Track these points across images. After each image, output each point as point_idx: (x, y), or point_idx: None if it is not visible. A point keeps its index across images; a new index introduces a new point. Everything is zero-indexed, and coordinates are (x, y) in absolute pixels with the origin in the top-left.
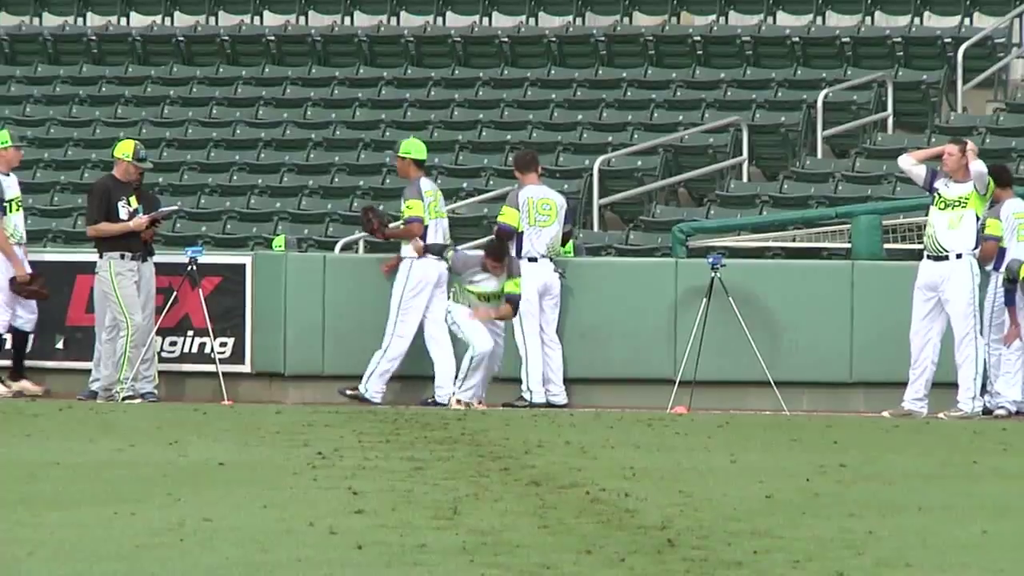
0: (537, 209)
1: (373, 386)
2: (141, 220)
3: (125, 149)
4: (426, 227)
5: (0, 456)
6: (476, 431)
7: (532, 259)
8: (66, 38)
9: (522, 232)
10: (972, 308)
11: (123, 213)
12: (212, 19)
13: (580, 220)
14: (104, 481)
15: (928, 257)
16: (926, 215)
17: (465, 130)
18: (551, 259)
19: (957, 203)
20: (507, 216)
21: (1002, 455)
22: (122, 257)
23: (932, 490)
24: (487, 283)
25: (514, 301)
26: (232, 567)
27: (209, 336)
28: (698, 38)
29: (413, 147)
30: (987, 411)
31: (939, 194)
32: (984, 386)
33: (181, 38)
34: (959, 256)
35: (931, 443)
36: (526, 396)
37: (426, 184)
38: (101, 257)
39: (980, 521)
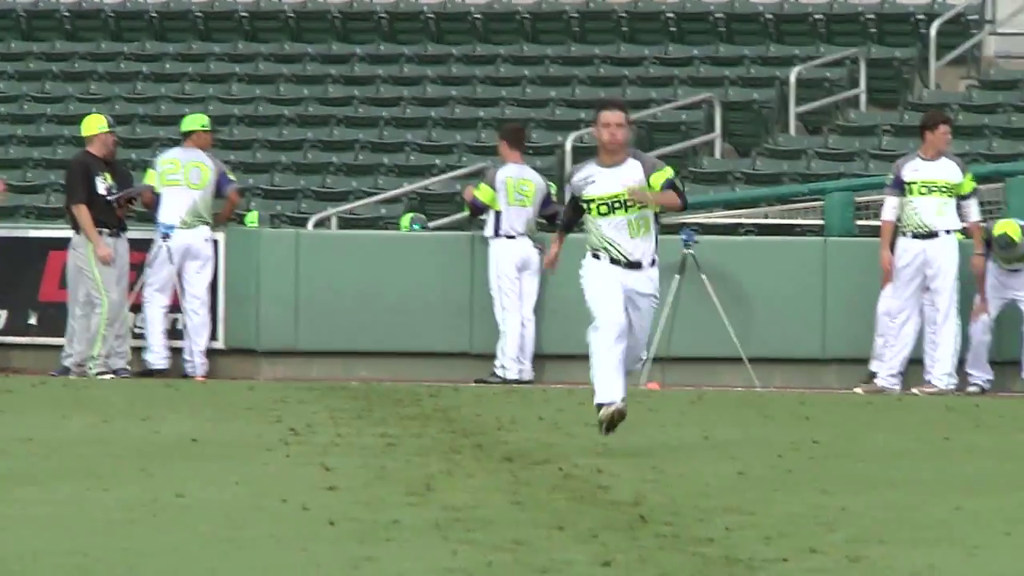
0: (516, 189)
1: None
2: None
3: (98, 122)
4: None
5: None
6: (449, 408)
7: (510, 236)
8: (39, 14)
9: (500, 211)
10: (956, 286)
11: (100, 188)
12: None
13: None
14: (77, 457)
15: (913, 236)
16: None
17: (438, 107)
18: (529, 235)
19: (939, 189)
20: (482, 193)
21: (975, 431)
22: (99, 234)
23: (905, 466)
24: (603, 182)
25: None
26: (205, 543)
27: (181, 312)
28: (671, 15)
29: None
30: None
31: (914, 181)
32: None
33: (154, 14)
34: (948, 232)
35: (904, 420)
36: (499, 372)
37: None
38: (77, 233)
39: (953, 497)
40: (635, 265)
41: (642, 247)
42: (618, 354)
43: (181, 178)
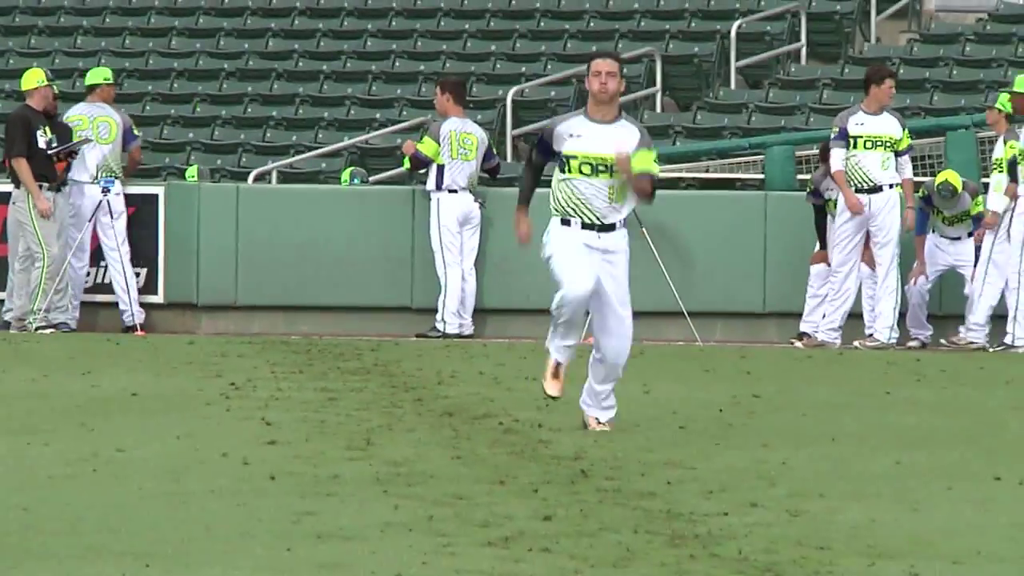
0: (460, 142)
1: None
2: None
3: (38, 76)
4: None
5: None
6: (389, 362)
7: (452, 191)
8: None
9: (443, 165)
10: (898, 240)
11: (40, 142)
12: None
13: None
14: (17, 411)
15: (857, 190)
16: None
17: (378, 60)
18: (471, 190)
19: (883, 144)
20: (425, 146)
21: (915, 385)
22: (39, 188)
23: (845, 420)
24: (590, 139)
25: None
26: (145, 497)
27: (126, 268)
28: None
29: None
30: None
31: (860, 135)
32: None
33: None
34: (891, 187)
35: (845, 373)
36: (439, 326)
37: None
38: (17, 187)
39: (893, 451)
40: (608, 228)
41: (620, 212)
42: (577, 332)
43: (90, 133)
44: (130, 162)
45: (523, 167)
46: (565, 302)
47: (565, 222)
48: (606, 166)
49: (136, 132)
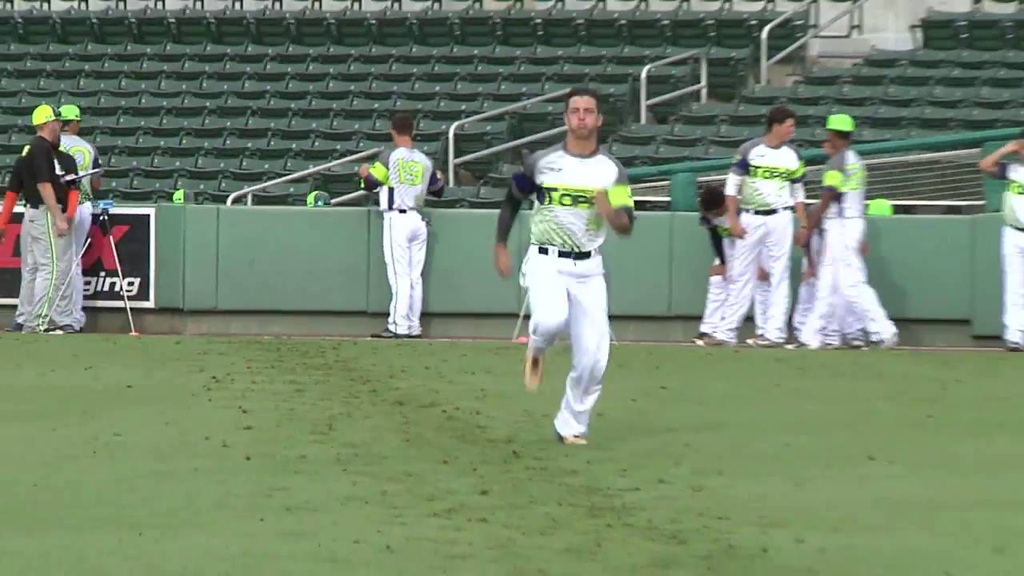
0: (406, 169)
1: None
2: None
3: (46, 112)
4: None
5: None
6: (348, 358)
7: (402, 211)
8: None
9: (392, 188)
10: (789, 254)
11: (57, 170)
12: (121, 4)
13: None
14: (28, 401)
15: (756, 212)
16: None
17: (339, 99)
18: (418, 210)
19: (780, 174)
20: (376, 170)
21: (801, 378)
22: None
23: (741, 409)
24: (571, 172)
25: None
26: (138, 476)
27: (119, 276)
28: (539, 21)
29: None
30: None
31: (760, 165)
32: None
33: (95, 20)
34: (784, 209)
35: (740, 369)
36: (391, 328)
37: None
38: (36, 208)
39: (782, 435)
40: (584, 255)
41: (596, 240)
42: (544, 352)
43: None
44: (93, 187)
45: (502, 205)
46: (539, 332)
47: (543, 251)
48: (585, 198)
49: (100, 163)
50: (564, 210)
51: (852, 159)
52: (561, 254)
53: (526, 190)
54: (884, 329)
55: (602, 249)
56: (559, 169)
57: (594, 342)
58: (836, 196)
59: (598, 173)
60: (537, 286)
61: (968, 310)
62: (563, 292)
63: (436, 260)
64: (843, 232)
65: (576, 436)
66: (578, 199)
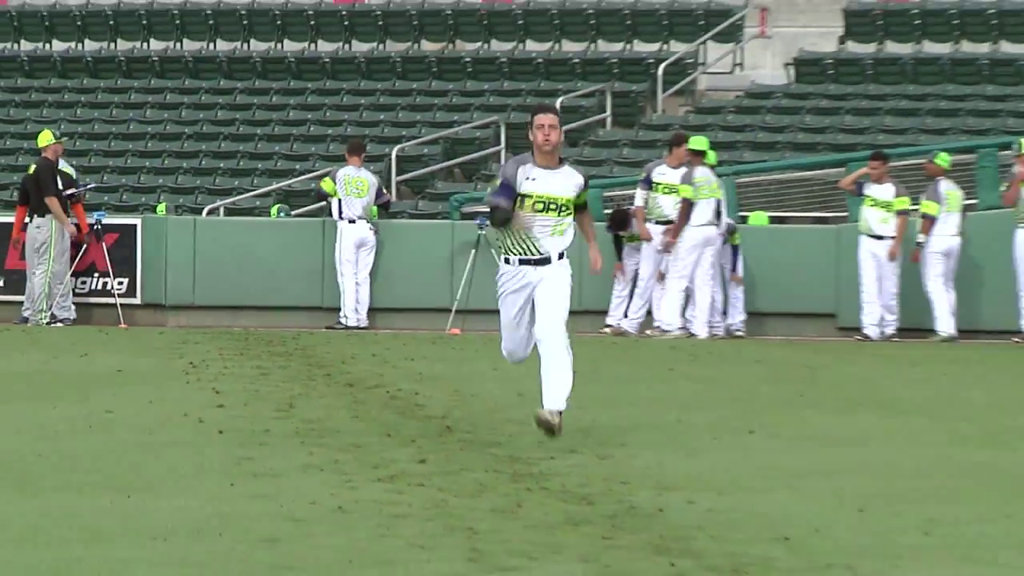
0: (352, 184)
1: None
2: (71, 229)
3: (48, 136)
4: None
5: None
6: (306, 347)
7: (351, 220)
8: (4, 59)
9: (341, 200)
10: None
11: (60, 185)
12: (112, 44)
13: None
14: (33, 383)
15: (656, 223)
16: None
17: (298, 126)
18: (367, 220)
19: (676, 190)
20: (325, 184)
21: (692, 363)
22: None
23: (640, 390)
24: (543, 182)
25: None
26: (127, 446)
27: (110, 277)
28: (468, 59)
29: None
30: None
31: (660, 182)
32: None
33: (90, 58)
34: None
35: (641, 355)
36: (343, 321)
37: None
38: (43, 216)
39: (675, 412)
40: (544, 261)
41: (556, 246)
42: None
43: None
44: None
45: (495, 220)
46: (506, 358)
47: (507, 261)
48: (556, 205)
49: (79, 181)
50: (531, 216)
51: (700, 174)
52: (522, 261)
53: (512, 198)
54: (670, 322)
55: (567, 257)
56: (533, 179)
57: (549, 306)
58: (690, 206)
59: (566, 182)
60: (503, 314)
61: (833, 305)
62: (525, 321)
63: (382, 262)
64: (691, 236)
65: (551, 414)
66: (549, 206)
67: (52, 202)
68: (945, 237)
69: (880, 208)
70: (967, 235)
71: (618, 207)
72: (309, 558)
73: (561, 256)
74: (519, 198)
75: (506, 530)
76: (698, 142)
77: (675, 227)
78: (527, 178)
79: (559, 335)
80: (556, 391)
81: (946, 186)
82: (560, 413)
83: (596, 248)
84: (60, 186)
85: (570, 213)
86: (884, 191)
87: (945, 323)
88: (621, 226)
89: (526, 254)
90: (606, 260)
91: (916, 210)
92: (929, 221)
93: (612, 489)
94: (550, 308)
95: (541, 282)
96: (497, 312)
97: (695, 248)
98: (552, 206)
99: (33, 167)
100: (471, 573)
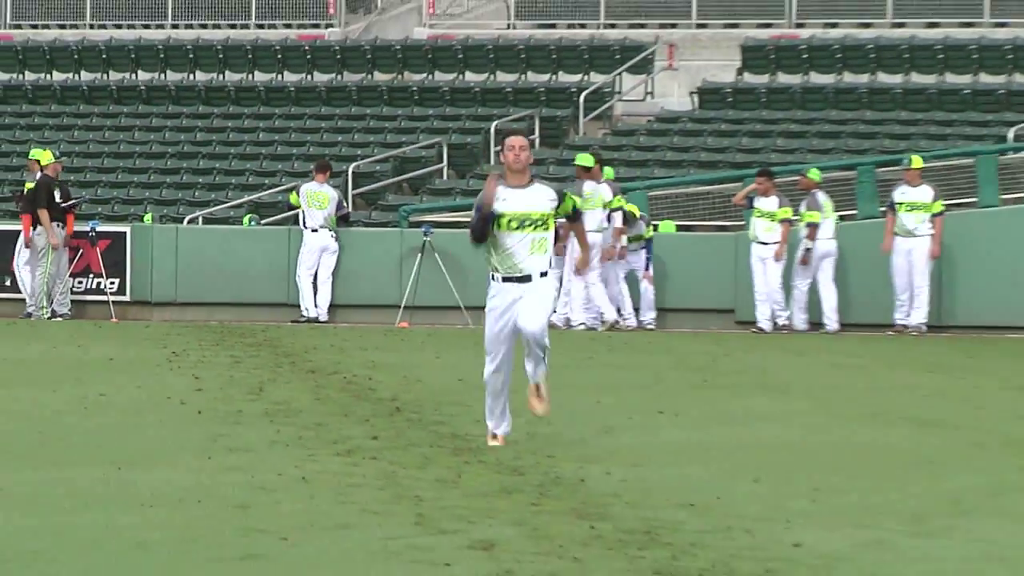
0: (313, 198)
1: None
2: (55, 240)
3: (49, 156)
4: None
5: None
6: (274, 338)
7: (314, 230)
8: (10, 87)
9: (304, 211)
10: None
11: (57, 198)
12: (104, 75)
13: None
14: (35, 370)
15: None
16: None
17: (267, 147)
18: (329, 228)
19: (601, 205)
20: (292, 198)
21: (609, 353)
22: (57, 226)
23: (564, 375)
24: (513, 200)
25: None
26: (118, 426)
27: (103, 277)
28: (415, 88)
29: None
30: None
31: (582, 195)
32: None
33: (85, 87)
34: (600, 232)
35: (563, 344)
36: (305, 315)
37: None
38: (38, 225)
39: (594, 395)
40: (526, 279)
41: (537, 263)
42: (501, 394)
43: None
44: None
45: (476, 237)
46: (486, 382)
47: (493, 278)
48: (530, 221)
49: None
50: (509, 235)
51: (588, 187)
52: (505, 279)
53: (491, 223)
54: (608, 313)
55: (549, 276)
56: (504, 199)
57: (531, 316)
58: (578, 216)
59: (537, 198)
60: (489, 328)
61: (732, 302)
62: (507, 334)
63: (341, 265)
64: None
65: (535, 387)
66: (524, 223)
67: (42, 213)
68: (824, 241)
69: (766, 218)
70: (840, 239)
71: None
72: (276, 522)
73: (544, 275)
74: (497, 220)
75: (448, 498)
76: (583, 159)
77: (564, 234)
78: (499, 199)
79: (540, 328)
80: (538, 371)
81: (822, 196)
82: (539, 387)
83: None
84: (59, 199)
85: (548, 228)
86: (770, 203)
87: (831, 317)
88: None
89: (509, 272)
90: None
91: (798, 219)
92: (814, 228)
93: (540, 462)
94: (531, 307)
95: (523, 297)
96: (442, 308)
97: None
98: (527, 223)
99: (35, 183)
100: (417, 535)
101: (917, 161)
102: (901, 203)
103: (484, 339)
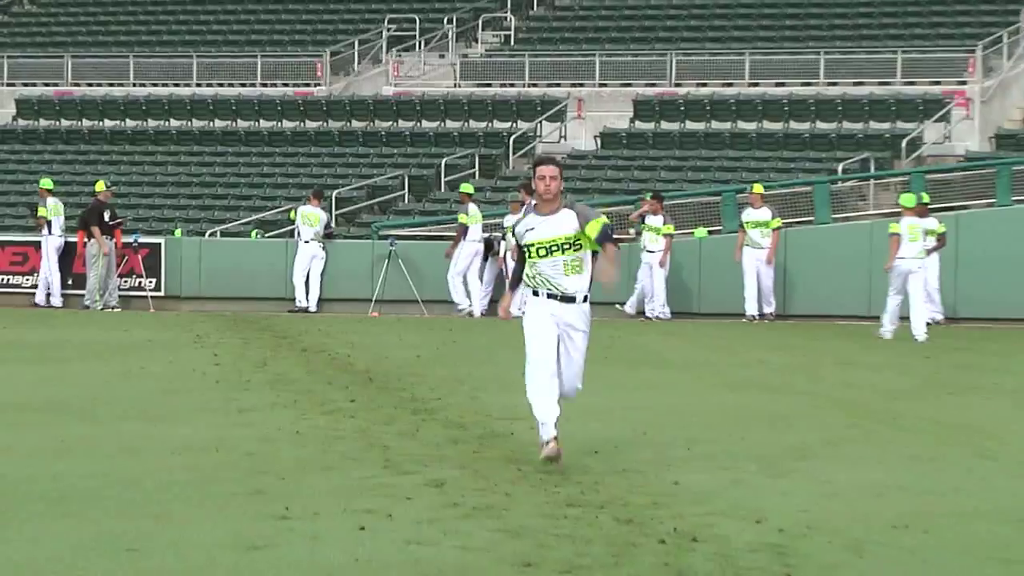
0: (307, 217)
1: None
2: (105, 248)
3: (101, 185)
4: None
5: (36, 337)
6: (275, 325)
7: (306, 241)
8: (71, 132)
9: (298, 228)
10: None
11: (106, 217)
12: (145, 123)
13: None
14: (89, 349)
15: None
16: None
17: (269, 178)
18: (318, 241)
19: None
20: (291, 214)
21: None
22: (107, 239)
23: (499, 353)
24: (540, 229)
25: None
26: (152, 392)
27: (143, 278)
28: (383, 133)
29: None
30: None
31: (506, 225)
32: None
33: (129, 132)
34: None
35: (494, 331)
36: (299, 305)
37: None
38: (91, 239)
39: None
40: (569, 299)
41: (576, 283)
42: (551, 388)
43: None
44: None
45: (516, 260)
46: (530, 372)
47: (535, 293)
48: (558, 246)
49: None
50: (542, 261)
51: (472, 210)
52: (548, 296)
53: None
54: (474, 305)
55: (589, 301)
56: (532, 228)
57: (571, 376)
58: (465, 229)
59: (563, 222)
60: (530, 327)
61: (627, 296)
62: (551, 334)
63: (328, 269)
64: (467, 248)
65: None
66: (551, 249)
67: (95, 230)
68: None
69: (653, 232)
70: (707, 248)
71: (487, 237)
72: (276, 465)
73: (585, 299)
74: (527, 249)
75: (408, 447)
76: (466, 187)
77: (454, 242)
78: (527, 230)
79: (575, 389)
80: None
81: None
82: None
83: (611, 271)
84: (107, 219)
85: (579, 248)
86: (657, 220)
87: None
88: (488, 248)
89: (552, 291)
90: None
91: (687, 233)
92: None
93: (480, 420)
94: (572, 372)
95: (566, 329)
96: (404, 302)
97: (469, 256)
98: (554, 248)
99: (89, 207)
100: (385, 476)
101: (758, 188)
102: (748, 221)
103: (526, 352)
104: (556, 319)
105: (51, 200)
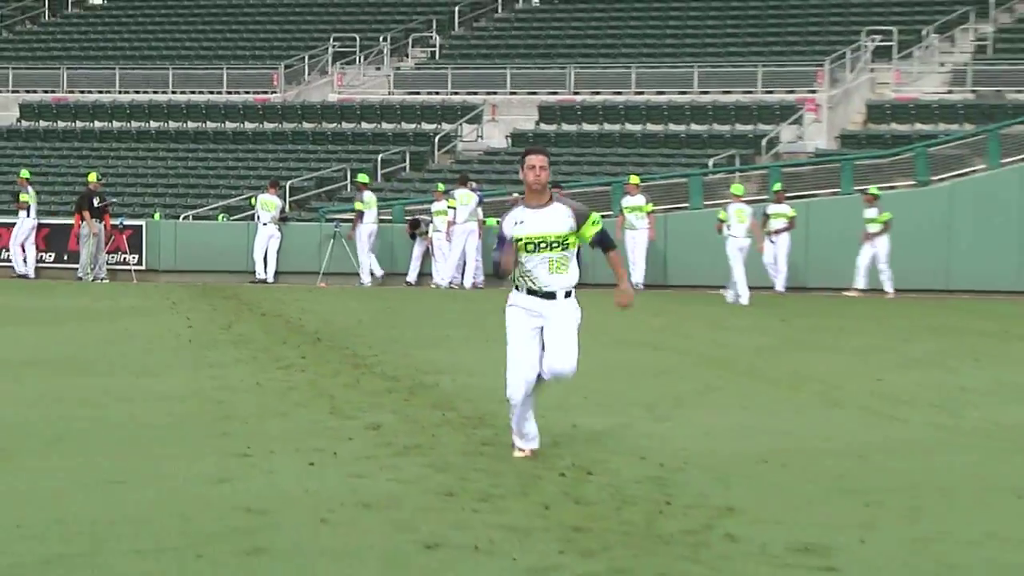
0: (264, 204)
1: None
2: (95, 229)
3: (92, 177)
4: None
5: (36, 305)
6: (238, 293)
7: (264, 223)
8: (67, 132)
9: (258, 213)
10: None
11: (95, 204)
12: (128, 123)
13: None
14: (82, 315)
15: (435, 231)
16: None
17: (234, 170)
18: (275, 223)
19: (440, 213)
20: (251, 201)
21: (460, 302)
22: (96, 221)
23: (447, 318)
24: (530, 223)
25: (605, 240)
26: (136, 351)
27: (128, 254)
28: (329, 133)
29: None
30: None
31: (435, 210)
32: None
33: (115, 131)
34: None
35: (438, 302)
36: (259, 277)
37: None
38: (83, 221)
39: (446, 331)
40: (550, 295)
41: (559, 282)
42: (526, 408)
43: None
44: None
45: (496, 266)
46: (509, 373)
47: (517, 288)
48: (546, 242)
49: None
50: (528, 256)
51: (367, 196)
52: (528, 291)
53: (508, 250)
54: (412, 276)
55: (575, 296)
56: (522, 222)
57: (560, 351)
58: (361, 214)
59: (554, 219)
60: (511, 340)
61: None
62: (532, 353)
63: (283, 247)
64: (365, 229)
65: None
66: (539, 245)
67: (85, 214)
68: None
69: (637, 211)
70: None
71: (412, 217)
72: (240, 411)
73: (568, 295)
74: (516, 243)
75: (351, 396)
76: (362, 177)
77: (353, 225)
78: (516, 223)
79: (572, 369)
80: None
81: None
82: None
83: (624, 287)
84: (96, 204)
85: (566, 248)
86: (639, 200)
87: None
88: (415, 227)
89: (532, 286)
90: (405, 248)
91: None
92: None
93: (411, 373)
94: (561, 345)
95: (548, 321)
96: (346, 274)
97: (370, 237)
98: (543, 244)
99: (81, 194)
100: (331, 420)
101: (634, 179)
102: (627, 207)
103: (507, 350)
104: (535, 315)
105: (30, 188)
